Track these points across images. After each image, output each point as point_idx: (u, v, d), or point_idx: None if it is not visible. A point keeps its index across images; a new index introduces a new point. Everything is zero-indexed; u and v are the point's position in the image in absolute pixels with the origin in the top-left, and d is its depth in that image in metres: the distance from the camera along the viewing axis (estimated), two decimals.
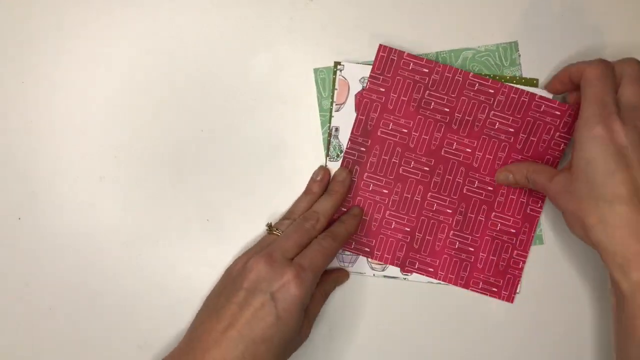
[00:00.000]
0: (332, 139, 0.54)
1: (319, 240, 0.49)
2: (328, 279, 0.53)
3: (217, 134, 0.55)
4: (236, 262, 0.49)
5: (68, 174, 0.54)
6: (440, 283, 0.54)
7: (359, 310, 0.55)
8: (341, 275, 0.54)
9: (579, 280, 0.55)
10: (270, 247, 0.48)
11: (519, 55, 0.55)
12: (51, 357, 0.54)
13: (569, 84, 0.51)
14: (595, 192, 0.45)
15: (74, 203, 0.54)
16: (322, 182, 0.54)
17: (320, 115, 0.55)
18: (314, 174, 0.54)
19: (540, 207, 0.54)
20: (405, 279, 0.55)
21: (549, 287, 0.55)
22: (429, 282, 0.55)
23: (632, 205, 0.43)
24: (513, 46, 0.55)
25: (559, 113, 0.53)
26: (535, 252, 0.55)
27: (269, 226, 0.52)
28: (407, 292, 0.55)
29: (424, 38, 0.55)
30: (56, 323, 0.54)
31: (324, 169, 0.54)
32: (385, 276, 0.55)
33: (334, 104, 0.54)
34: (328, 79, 0.55)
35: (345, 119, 0.54)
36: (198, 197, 0.55)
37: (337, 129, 0.54)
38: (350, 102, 0.54)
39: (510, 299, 0.54)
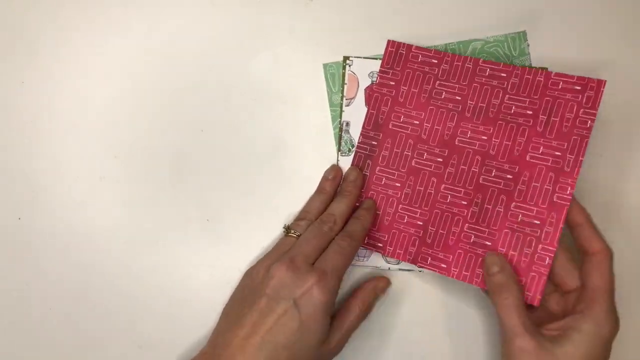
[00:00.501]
0: (343, 133, 0.57)
1: (338, 241, 0.51)
2: (367, 287, 0.54)
3: (217, 134, 0.57)
4: (257, 267, 0.51)
5: (68, 174, 0.57)
6: None
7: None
8: (380, 284, 0.55)
9: None
10: (291, 252, 0.50)
11: (528, 45, 0.56)
12: (51, 357, 0.56)
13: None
14: None
15: (74, 203, 0.57)
16: (334, 180, 0.56)
17: (331, 110, 0.57)
18: (326, 172, 0.56)
19: (570, 195, 0.51)
20: (420, 271, 0.56)
21: None
22: None
23: None
24: (522, 36, 0.56)
25: (579, 88, 0.52)
26: None
27: (287, 228, 0.54)
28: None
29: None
30: (56, 323, 0.56)
31: (335, 168, 0.56)
32: (400, 269, 0.56)
33: (344, 99, 0.57)
34: (337, 74, 0.57)
35: (355, 114, 0.56)
36: (198, 197, 0.57)
37: (347, 124, 0.57)
38: (360, 97, 0.57)
39: (535, 300, 0.51)
